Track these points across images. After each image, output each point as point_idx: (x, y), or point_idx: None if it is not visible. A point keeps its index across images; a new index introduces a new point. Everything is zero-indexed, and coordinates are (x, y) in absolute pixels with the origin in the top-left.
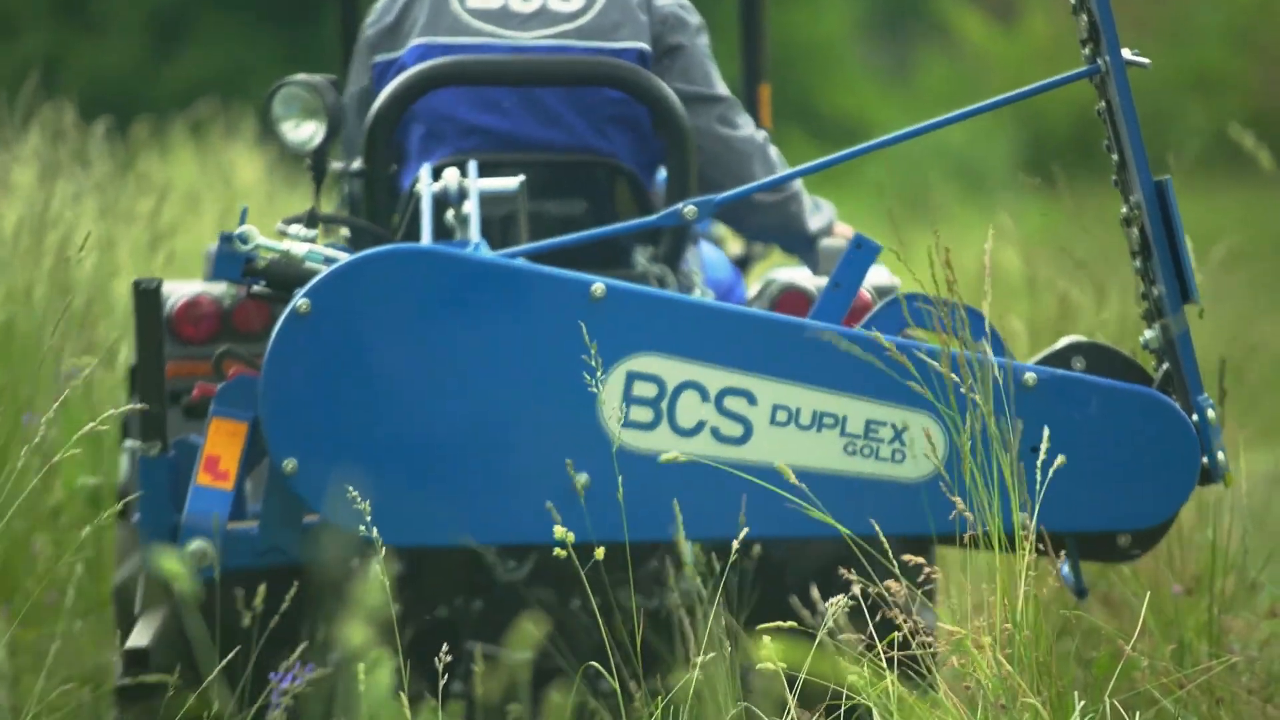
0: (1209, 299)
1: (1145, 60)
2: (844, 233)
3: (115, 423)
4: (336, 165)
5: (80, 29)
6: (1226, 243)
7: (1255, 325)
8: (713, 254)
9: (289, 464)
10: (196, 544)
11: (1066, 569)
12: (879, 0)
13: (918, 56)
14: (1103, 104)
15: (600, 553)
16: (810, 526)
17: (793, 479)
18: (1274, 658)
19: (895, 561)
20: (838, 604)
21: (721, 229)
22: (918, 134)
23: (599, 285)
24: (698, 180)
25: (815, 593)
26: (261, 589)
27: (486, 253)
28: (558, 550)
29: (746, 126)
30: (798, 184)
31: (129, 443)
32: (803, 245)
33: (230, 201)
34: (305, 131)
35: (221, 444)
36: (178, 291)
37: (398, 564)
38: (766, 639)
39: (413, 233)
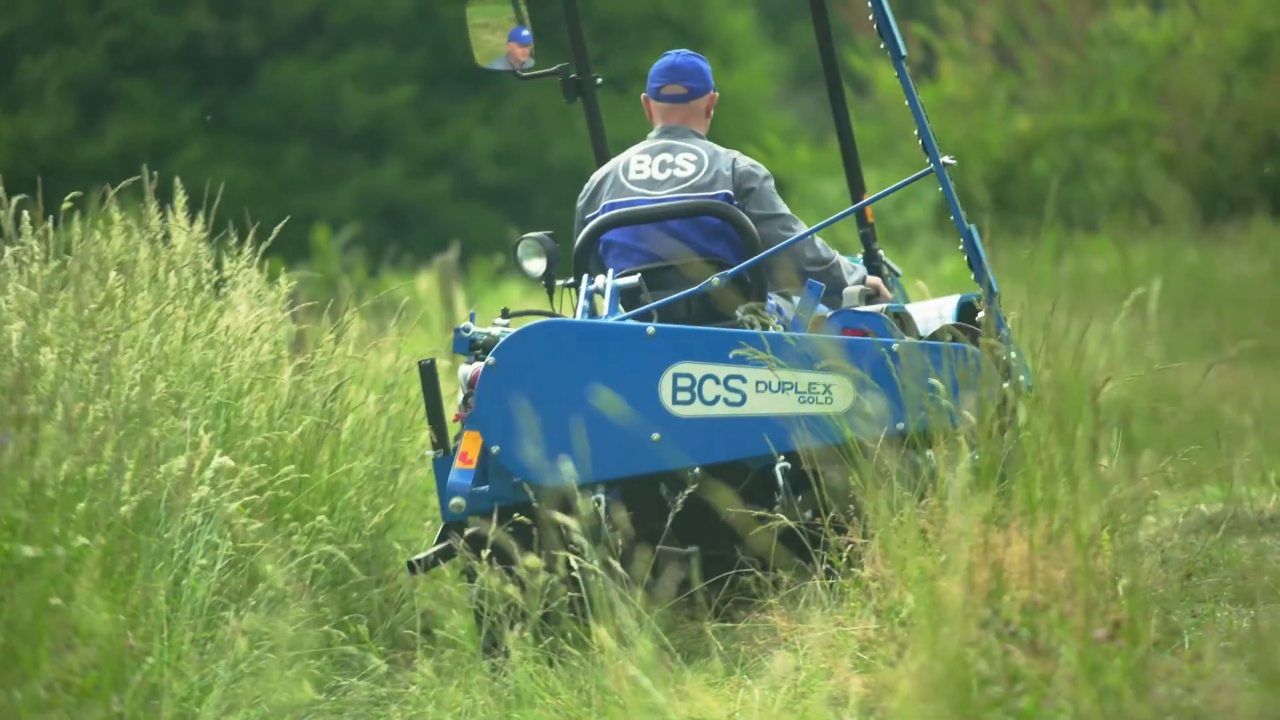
0: (1129, 346)
1: (953, 161)
2: (873, 282)
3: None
4: (559, 282)
5: (2, 101)
6: (1142, 291)
7: (1174, 372)
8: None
9: (495, 449)
10: (455, 500)
11: None
12: (800, 57)
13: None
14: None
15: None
16: (782, 446)
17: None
18: (1199, 702)
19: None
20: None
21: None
22: (874, 200)
23: (651, 328)
24: (772, 265)
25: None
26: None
27: (610, 319)
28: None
29: (800, 229)
30: (837, 255)
31: (429, 451)
32: (837, 295)
33: (160, 270)
34: (536, 266)
35: (468, 445)
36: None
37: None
38: None
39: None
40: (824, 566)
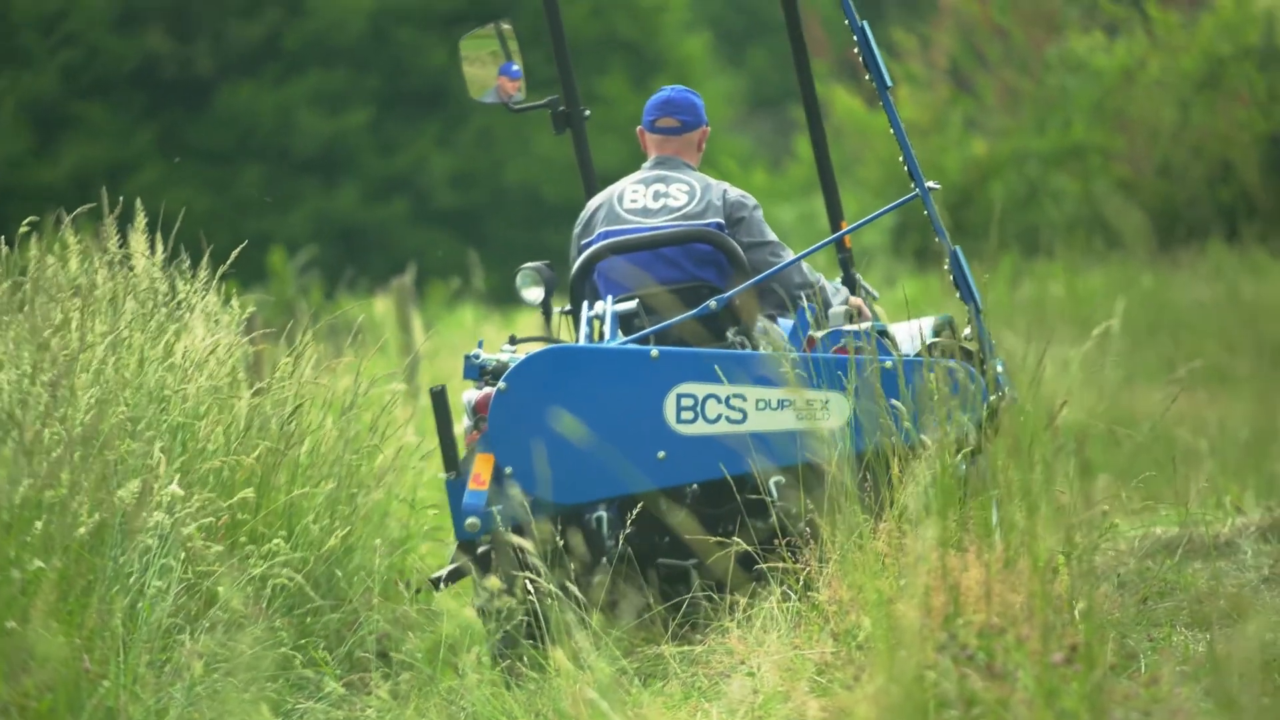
0: (1087, 371)
1: (937, 186)
2: (855, 303)
3: None
4: (556, 309)
5: None
6: (1102, 315)
7: (1131, 395)
8: (785, 324)
9: (508, 469)
10: (471, 519)
11: None
12: (756, 81)
13: (799, 132)
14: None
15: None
16: (784, 460)
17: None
18: None
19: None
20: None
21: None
22: (848, 232)
23: (655, 350)
24: (759, 289)
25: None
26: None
27: (611, 344)
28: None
29: (787, 255)
30: (822, 279)
31: (442, 474)
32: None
33: (118, 293)
34: (535, 294)
35: (480, 466)
36: (478, 391)
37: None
38: None
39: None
40: (781, 589)
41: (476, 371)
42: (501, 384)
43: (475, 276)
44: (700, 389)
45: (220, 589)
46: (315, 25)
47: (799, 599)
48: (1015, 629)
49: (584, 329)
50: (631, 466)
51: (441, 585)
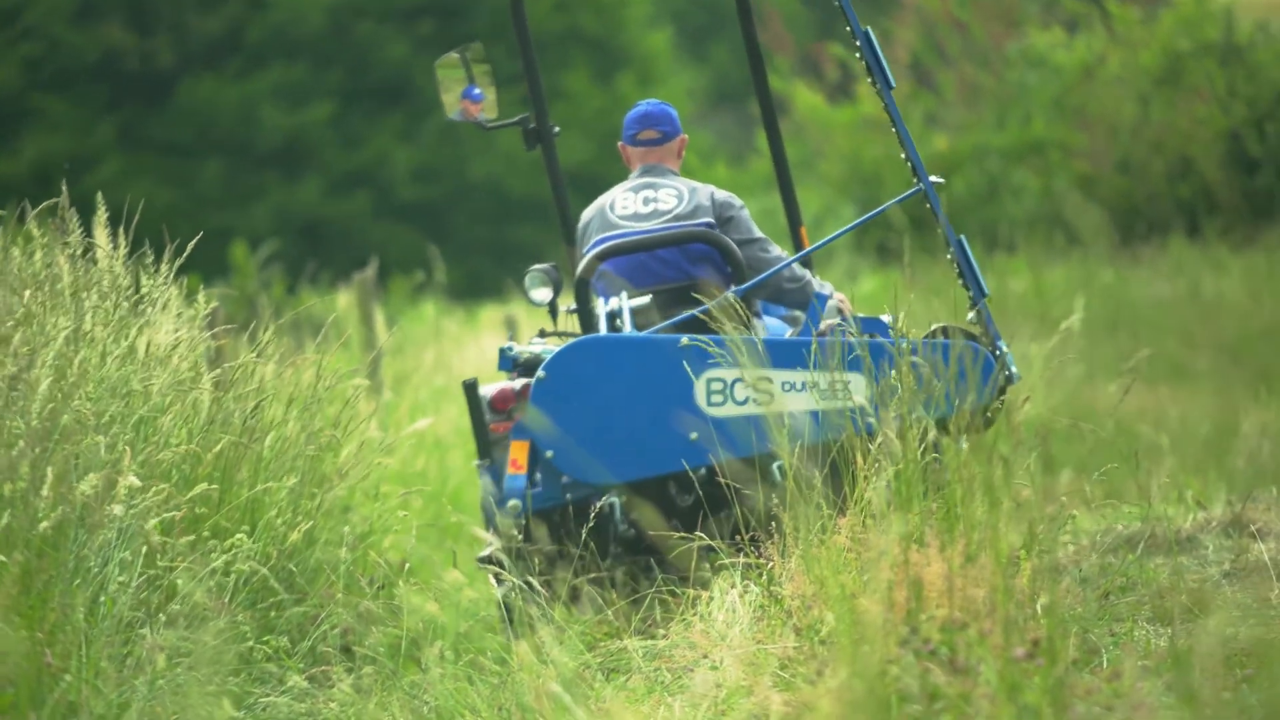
0: (1048, 366)
1: (942, 180)
2: (840, 296)
3: None
4: (562, 307)
5: None
6: (1072, 322)
7: (1092, 390)
8: (771, 320)
9: (549, 453)
10: (513, 501)
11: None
12: (718, 76)
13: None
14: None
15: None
16: (813, 437)
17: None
18: None
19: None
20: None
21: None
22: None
23: (684, 338)
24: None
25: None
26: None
27: (634, 335)
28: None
29: (775, 250)
30: (808, 274)
31: (476, 461)
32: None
33: (79, 286)
34: (543, 294)
35: (517, 452)
36: (494, 385)
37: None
38: None
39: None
40: (744, 583)
41: (510, 363)
42: (541, 373)
43: (437, 271)
44: (729, 373)
45: (181, 582)
46: (276, 19)
47: (764, 594)
48: (978, 624)
49: (604, 324)
50: (666, 447)
51: (489, 564)
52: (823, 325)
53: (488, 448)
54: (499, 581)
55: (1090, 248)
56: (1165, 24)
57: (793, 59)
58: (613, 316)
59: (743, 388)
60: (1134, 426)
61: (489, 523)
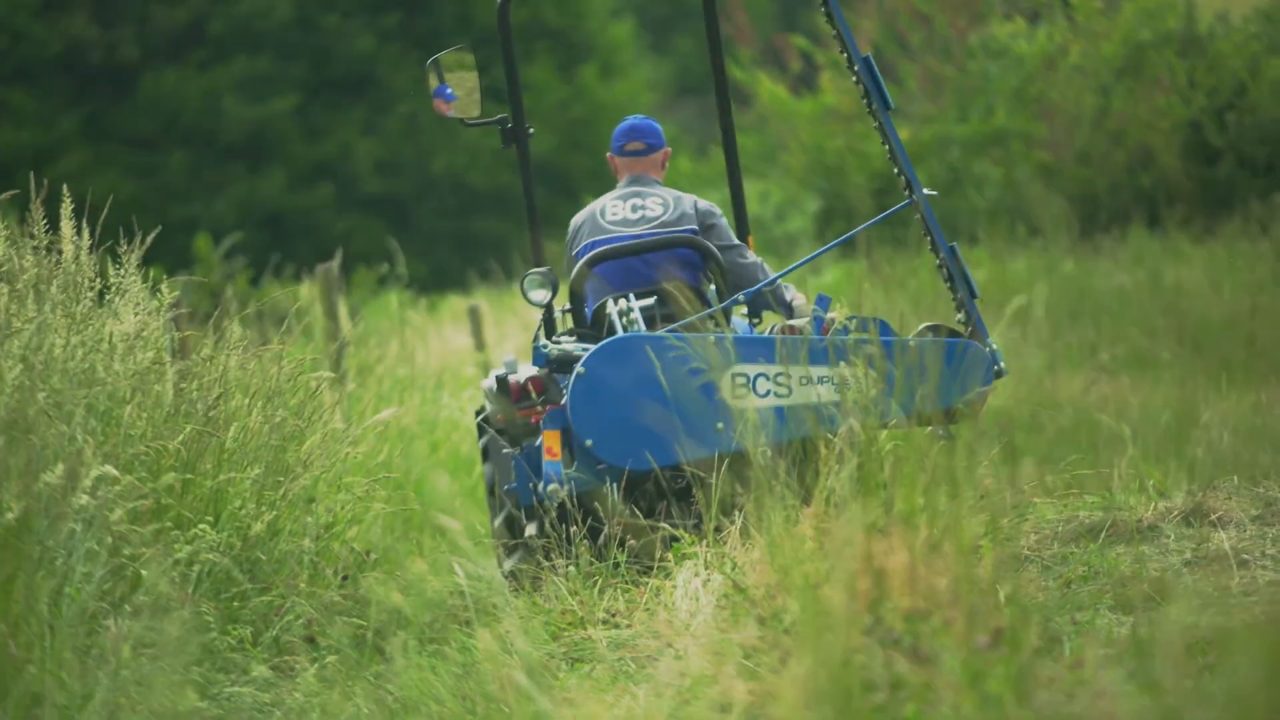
0: (1010, 356)
1: (934, 192)
2: (800, 297)
3: None
4: (557, 308)
5: None
6: (1023, 302)
7: (1053, 380)
8: (738, 321)
9: (589, 442)
10: (553, 486)
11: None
12: (681, 67)
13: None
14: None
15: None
16: (825, 428)
17: None
18: (1080, 709)
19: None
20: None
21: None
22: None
23: (711, 338)
24: (727, 286)
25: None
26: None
27: (663, 334)
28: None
29: (751, 256)
30: (781, 280)
31: (505, 450)
32: (786, 309)
33: (43, 277)
34: (541, 295)
35: (551, 440)
36: (522, 372)
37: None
38: None
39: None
40: (708, 571)
41: (544, 359)
42: (580, 368)
43: (399, 263)
44: (751, 369)
45: (145, 573)
46: (240, 11)
47: (728, 581)
48: (940, 613)
49: (618, 322)
50: (695, 436)
51: (535, 540)
52: (825, 322)
53: (521, 439)
54: (509, 553)
55: (1051, 238)
56: (1126, 15)
57: (756, 50)
58: (623, 315)
59: (764, 381)
60: (1095, 416)
61: (500, 507)
